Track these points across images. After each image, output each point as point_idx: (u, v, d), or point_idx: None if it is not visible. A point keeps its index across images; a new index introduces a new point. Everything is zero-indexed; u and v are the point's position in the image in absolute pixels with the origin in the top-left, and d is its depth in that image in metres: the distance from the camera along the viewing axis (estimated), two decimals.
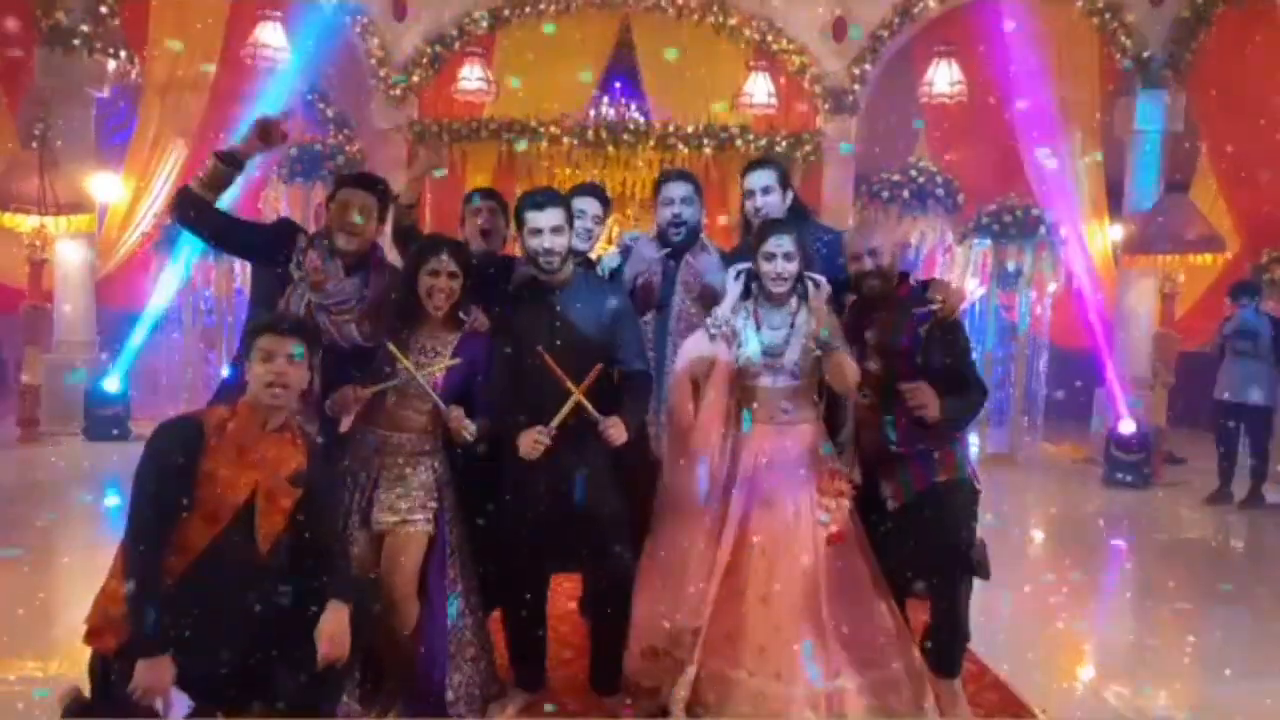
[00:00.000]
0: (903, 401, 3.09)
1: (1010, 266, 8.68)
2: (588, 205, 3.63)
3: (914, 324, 3.16)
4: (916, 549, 3.20)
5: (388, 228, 3.45)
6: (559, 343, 3.13)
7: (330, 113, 10.15)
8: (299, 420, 2.76)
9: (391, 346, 2.99)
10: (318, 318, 3.08)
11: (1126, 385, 8.50)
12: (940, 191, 8.98)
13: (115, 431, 8.32)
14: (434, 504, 3.11)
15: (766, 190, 3.68)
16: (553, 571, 3.48)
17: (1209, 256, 8.25)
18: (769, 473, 3.17)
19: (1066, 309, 9.14)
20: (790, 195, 3.77)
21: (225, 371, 8.85)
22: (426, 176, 3.95)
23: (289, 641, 2.56)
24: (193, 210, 3.12)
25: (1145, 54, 8.66)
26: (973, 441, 7.62)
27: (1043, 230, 8.66)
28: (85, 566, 4.81)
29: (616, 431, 3.02)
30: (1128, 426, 8.08)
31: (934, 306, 3.14)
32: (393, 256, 3.52)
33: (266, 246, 3.23)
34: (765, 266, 3.19)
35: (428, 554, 3.11)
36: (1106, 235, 9.17)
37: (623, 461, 3.20)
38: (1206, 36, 8.56)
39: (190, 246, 8.40)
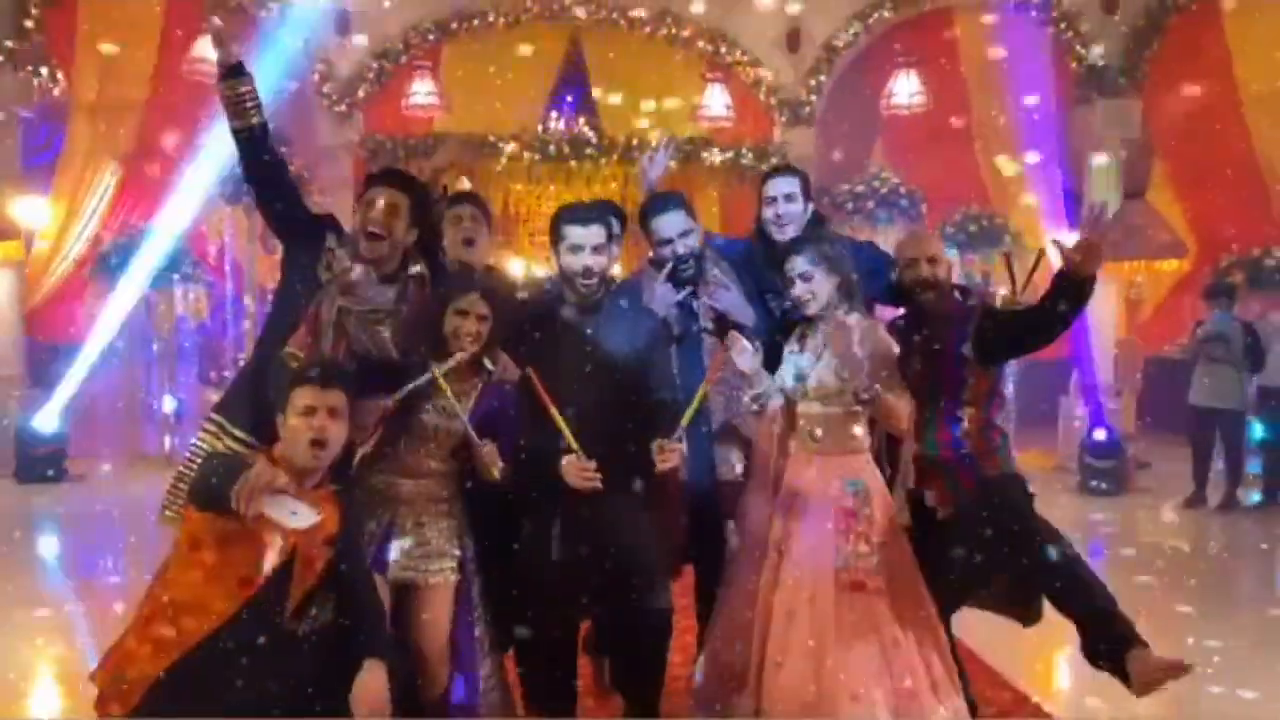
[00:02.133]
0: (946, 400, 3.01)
1: (976, 276, 8.62)
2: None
3: (960, 332, 3.02)
4: (984, 552, 2.97)
5: None
6: (590, 370, 2.88)
7: (272, 129, 9.76)
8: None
9: (438, 373, 2.69)
10: (348, 324, 2.77)
11: (1095, 392, 8.49)
12: (904, 202, 8.92)
13: (50, 472, 7.73)
14: (458, 552, 2.83)
15: (789, 198, 3.41)
16: (584, 618, 3.19)
17: (1173, 261, 8.30)
18: (796, 503, 2.97)
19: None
20: (810, 206, 3.55)
21: (169, 405, 8.54)
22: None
23: (324, 707, 2.27)
24: (268, 154, 2.77)
25: (1100, 63, 8.73)
26: None
27: (1007, 239, 8.64)
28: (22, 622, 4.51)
29: (672, 455, 2.76)
30: (1100, 434, 8.06)
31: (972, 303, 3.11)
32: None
33: (307, 231, 2.88)
34: (792, 292, 3.01)
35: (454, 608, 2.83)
36: (1068, 243, 9.18)
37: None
38: (1160, 44, 8.65)
39: (143, 271, 7.89)
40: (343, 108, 9.26)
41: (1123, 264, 8.47)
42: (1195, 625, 4.69)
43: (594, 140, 8.89)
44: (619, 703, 3.12)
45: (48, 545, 6.49)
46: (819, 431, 2.98)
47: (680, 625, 3.12)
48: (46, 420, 7.87)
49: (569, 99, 9.72)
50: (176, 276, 8.29)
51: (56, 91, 8.41)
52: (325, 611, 2.39)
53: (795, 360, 3.01)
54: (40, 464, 7.74)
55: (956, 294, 3.18)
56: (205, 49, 8.08)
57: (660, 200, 3.42)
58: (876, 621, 2.84)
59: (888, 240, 9.03)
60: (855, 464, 2.98)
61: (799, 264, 2.94)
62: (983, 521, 2.95)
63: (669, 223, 3.30)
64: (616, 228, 3.37)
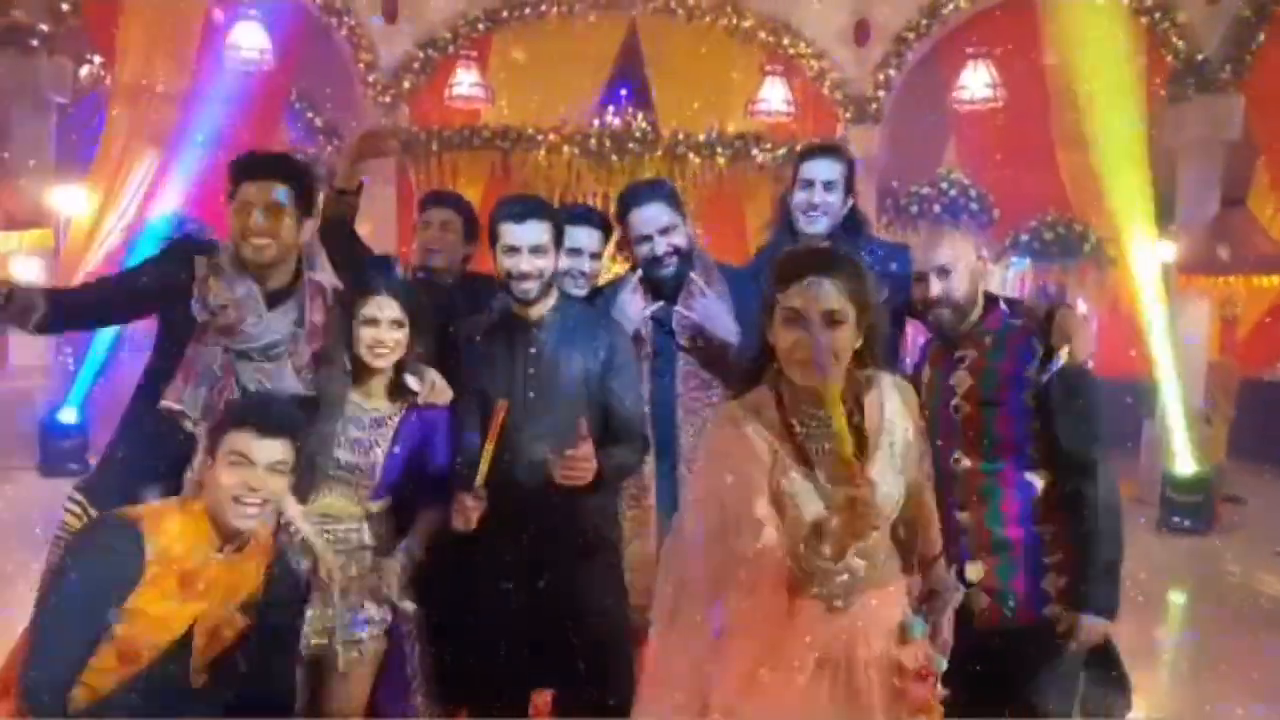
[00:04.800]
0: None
1: (1051, 288, 8.01)
2: (584, 239, 2.83)
3: (1017, 365, 2.43)
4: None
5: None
6: (533, 395, 2.46)
7: (319, 122, 9.62)
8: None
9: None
10: (239, 372, 2.34)
11: (1181, 418, 7.75)
12: (974, 206, 8.31)
13: (73, 465, 7.56)
14: (384, 616, 2.43)
15: (829, 185, 2.90)
16: (534, 689, 2.74)
17: (1274, 277, 7.53)
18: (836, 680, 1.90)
19: (1112, 334, 8.42)
20: (851, 201, 2.99)
21: None
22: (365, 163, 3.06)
23: None
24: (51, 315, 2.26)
25: (1199, 56, 7.95)
26: None
27: (1087, 248, 7.98)
28: None
29: (572, 465, 2.28)
30: (1184, 465, 7.33)
31: (1059, 358, 2.37)
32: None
33: (163, 288, 2.40)
34: (791, 352, 1.86)
35: (381, 678, 2.45)
36: (1157, 254, 8.45)
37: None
38: (1266, 36, 7.84)
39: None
40: (387, 99, 8.96)
41: (1217, 278, 7.70)
42: None
43: (636, 135, 8.42)
44: None
45: None
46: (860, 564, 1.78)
47: None
48: (68, 413, 7.80)
49: (623, 91, 9.31)
50: None
51: (106, 81, 8.32)
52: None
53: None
54: (64, 456, 7.66)
55: (1003, 306, 2.54)
56: (243, 36, 7.92)
57: (641, 189, 2.94)
58: None
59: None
60: (900, 594, 2.02)
61: (828, 294, 1.87)
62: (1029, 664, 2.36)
63: (647, 216, 2.82)
64: (596, 241, 2.92)
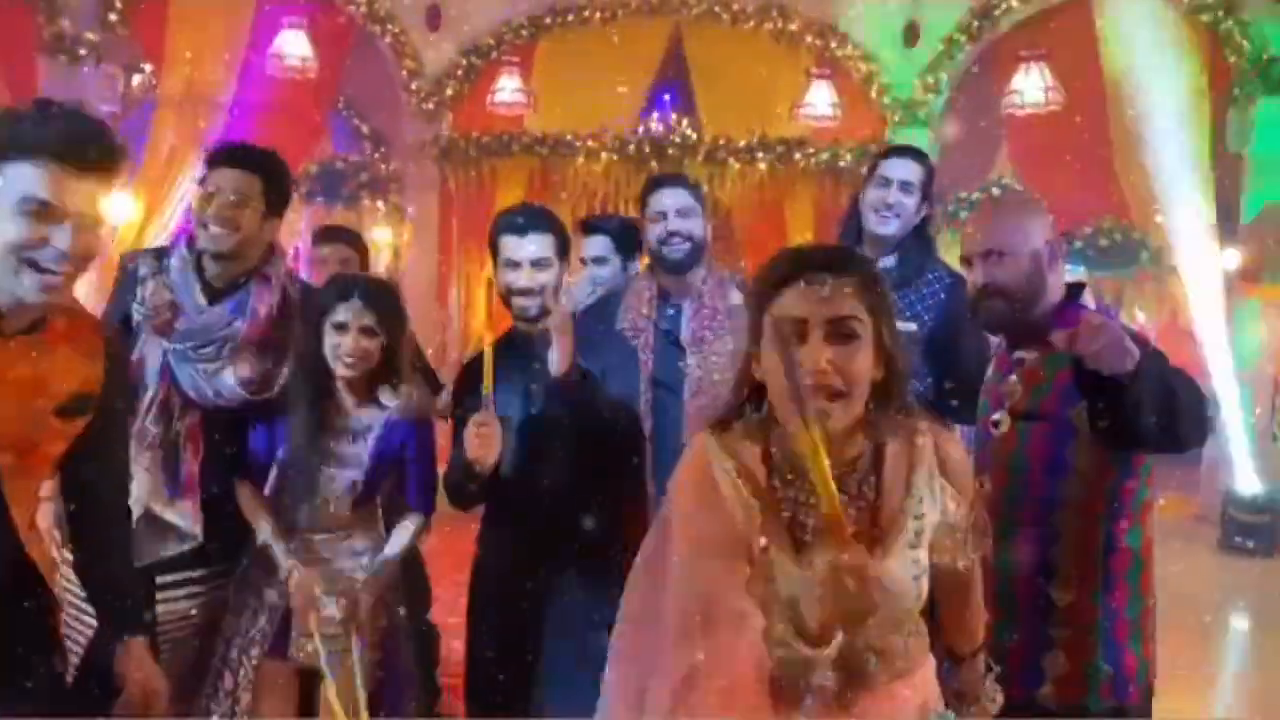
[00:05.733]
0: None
1: (1107, 299, 7.76)
2: (600, 248, 2.84)
3: (1072, 375, 1.93)
4: None
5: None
6: (534, 413, 2.38)
7: (365, 129, 9.75)
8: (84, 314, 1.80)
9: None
10: (180, 379, 2.26)
11: (1244, 433, 7.45)
12: None
13: None
14: (382, 621, 2.39)
15: (906, 187, 2.78)
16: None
17: None
18: None
19: (1172, 345, 8.12)
20: (926, 209, 2.87)
21: None
22: None
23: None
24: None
25: (1265, 56, 7.66)
26: None
27: (1145, 256, 7.72)
28: None
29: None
30: (1249, 484, 7.06)
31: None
32: None
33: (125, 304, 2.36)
34: (787, 378, 1.38)
35: (377, 691, 2.36)
36: (1219, 263, 8.16)
37: None
38: None
39: None
40: (431, 105, 9.01)
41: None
42: None
43: (676, 140, 8.33)
44: None
45: None
46: (873, 657, 1.46)
47: None
48: None
49: (666, 97, 9.23)
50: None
51: (154, 87, 8.46)
52: None
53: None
54: None
55: (1088, 301, 2.19)
56: (288, 44, 8.02)
57: (665, 175, 3.06)
58: None
59: None
60: (926, 683, 1.59)
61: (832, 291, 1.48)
62: None
63: (665, 194, 2.79)
64: (607, 250, 2.87)
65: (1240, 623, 6.04)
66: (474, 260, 8.69)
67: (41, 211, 1.51)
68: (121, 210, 8.33)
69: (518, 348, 2.42)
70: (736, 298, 2.77)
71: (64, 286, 1.59)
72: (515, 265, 2.36)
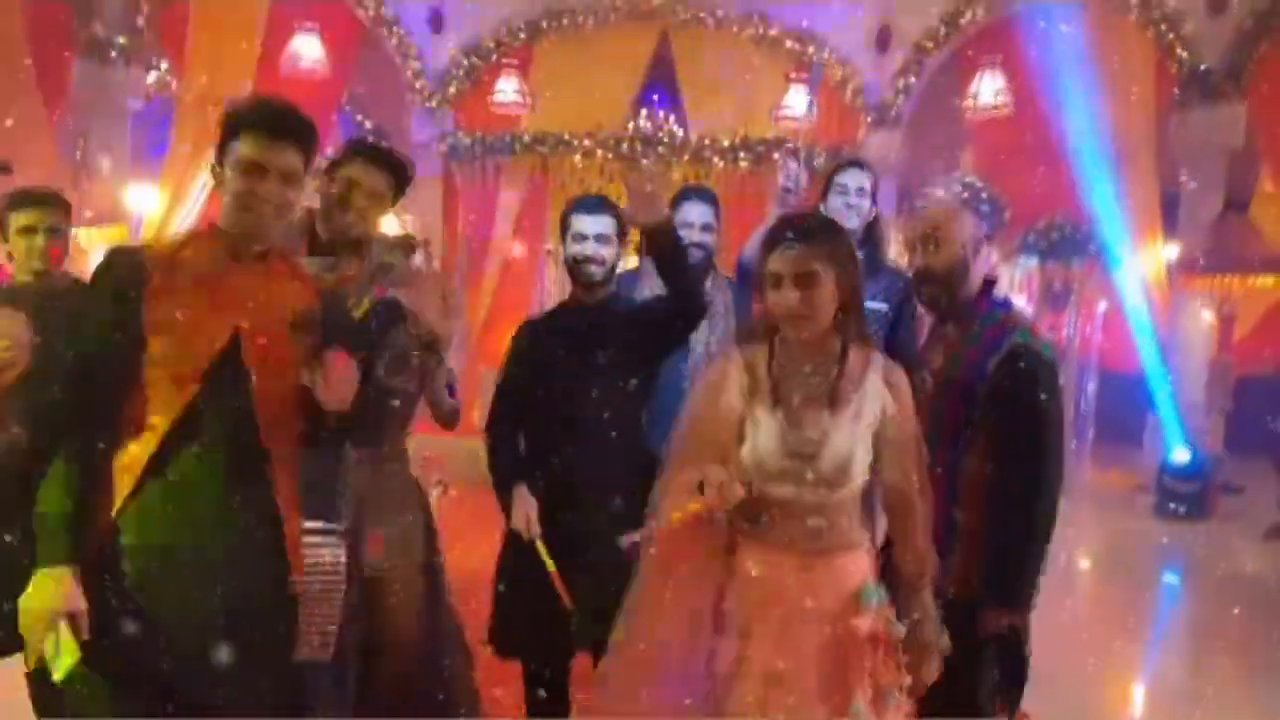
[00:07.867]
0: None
1: (1057, 286, 8.32)
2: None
3: (983, 352, 2.37)
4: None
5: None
6: (595, 381, 2.78)
7: (369, 125, 10.14)
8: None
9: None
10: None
11: (1180, 411, 8.12)
12: (985, 207, 8.55)
13: None
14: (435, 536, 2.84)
15: (861, 191, 3.38)
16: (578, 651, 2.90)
17: (1270, 279, 7.84)
18: (787, 637, 2.01)
19: (1117, 331, 8.77)
20: (875, 210, 3.45)
21: None
22: None
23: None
24: None
25: (1203, 66, 8.26)
26: None
27: (1092, 248, 8.29)
28: None
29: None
30: (1181, 455, 7.70)
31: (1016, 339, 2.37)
32: None
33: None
34: (775, 309, 2.06)
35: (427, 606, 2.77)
36: (1160, 255, 8.78)
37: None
38: (1269, 47, 8.14)
39: None
40: (433, 104, 9.47)
41: (1215, 279, 8.04)
42: (1268, 668, 4.39)
43: (664, 140, 8.85)
44: None
45: None
46: (819, 523, 2.03)
47: None
48: None
49: (655, 97, 9.70)
50: None
51: (175, 86, 8.89)
52: None
53: (782, 419, 2.04)
54: None
55: (998, 296, 2.52)
56: (301, 46, 8.45)
57: (696, 189, 3.49)
58: None
59: None
60: (870, 562, 2.13)
61: (796, 255, 2.02)
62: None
63: (694, 210, 3.31)
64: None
65: (1173, 579, 6.67)
66: (477, 251, 9.24)
67: (252, 169, 1.94)
68: (147, 202, 8.82)
69: (570, 316, 2.89)
70: (728, 298, 3.34)
71: (270, 224, 1.97)
72: (583, 238, 2.79)
